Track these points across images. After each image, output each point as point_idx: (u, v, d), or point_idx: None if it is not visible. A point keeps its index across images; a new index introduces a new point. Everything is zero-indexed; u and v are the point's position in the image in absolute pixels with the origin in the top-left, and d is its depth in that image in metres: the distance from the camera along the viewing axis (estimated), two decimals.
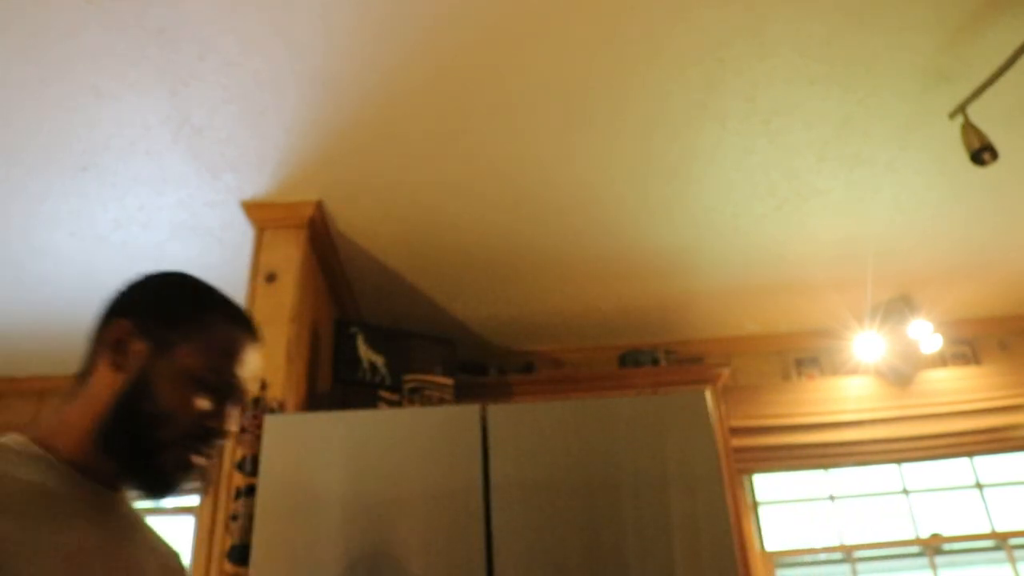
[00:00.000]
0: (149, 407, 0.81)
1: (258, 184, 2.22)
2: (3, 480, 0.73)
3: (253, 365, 0.90)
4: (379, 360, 2.51)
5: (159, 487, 0.83)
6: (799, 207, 2.49)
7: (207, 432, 0.85)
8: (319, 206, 2.29)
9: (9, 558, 0.68)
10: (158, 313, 0.86)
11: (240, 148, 2.08)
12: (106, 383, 0.83)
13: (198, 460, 0.85)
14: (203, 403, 0.84)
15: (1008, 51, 1.87)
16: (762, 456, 3.09)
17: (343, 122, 2.02)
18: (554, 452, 1.72)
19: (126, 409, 0.81)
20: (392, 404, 2.46)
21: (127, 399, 0.81)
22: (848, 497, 3.08)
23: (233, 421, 0.88)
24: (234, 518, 1.82)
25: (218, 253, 2.51)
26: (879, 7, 1.78)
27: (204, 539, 2.94)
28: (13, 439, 0.80)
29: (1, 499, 0.72)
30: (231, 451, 1.93)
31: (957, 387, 3.15)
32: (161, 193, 2.22)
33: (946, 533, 2.95)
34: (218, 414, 0.86)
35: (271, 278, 2.19)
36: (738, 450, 3.05)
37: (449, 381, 2.62)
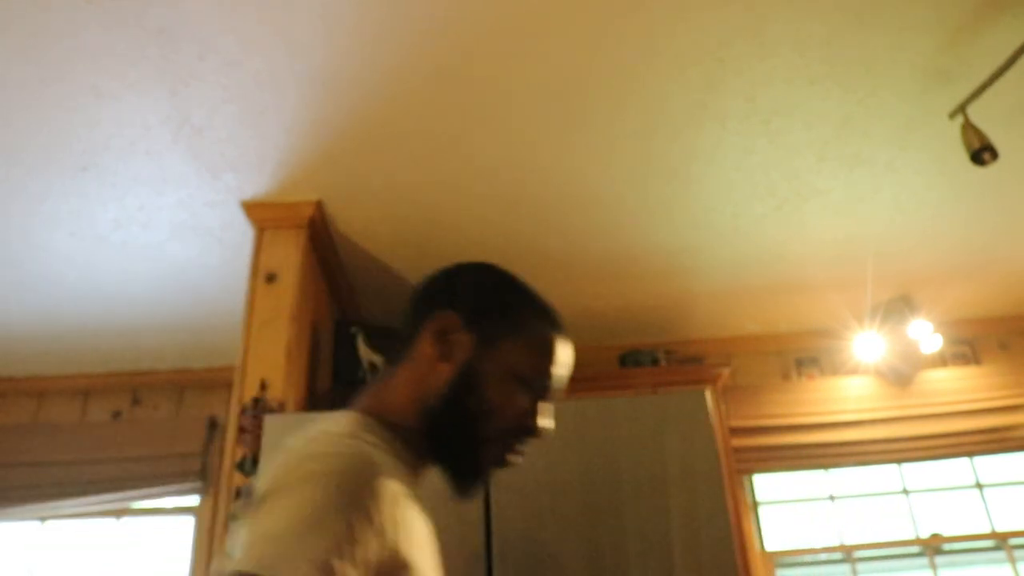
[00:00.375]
0: (475, 402, 0.83)
1: (258, 184, 2.22)
2: (387, 465, 0.74)
3: (566, 364, 0.91)
4: (379, 360, 2.51)
5: (471, 481, 0.85)
6: (799, 207, 2.48)
7: (523, 430, 0.86)
8: (319, 206, 2.29)
9: (411, 547, 0.70)
10: (483, 308, 0.87)
11: (240, 148, 2.08)
12: (432, 371, 0.84)
13: (513, 458, 0.86)
14: (523, 401, 0.85)
15: (1008, 51, 1.87)
16: (762, 456, 3.09)
17: (343, 122, 2.02)
18: (554, 452, 1.72)
19: (454, 402, 0.82)
20: None
21: (455, 391, 0.83)
22: (848, 497, 3.08)
23: (548, 419, 0.89)
24: (234, 518, 1.82)
25: (218, 253, 2.51)
26: (879, 7, 1.78)
27: (204, 539, 2.94)
28: (360, 418, 0.81)
29: (404, 485, 0.73)
30: (231, 451, 1.93)
31: (957, 387, 3.15)
32: (161, 193, 2.22)
33: (946, 533, 2.95)
34: (533, 412, 0.86)
35: (271, 278, 2.19)
36: (738, 450, 3.05)
37: None
